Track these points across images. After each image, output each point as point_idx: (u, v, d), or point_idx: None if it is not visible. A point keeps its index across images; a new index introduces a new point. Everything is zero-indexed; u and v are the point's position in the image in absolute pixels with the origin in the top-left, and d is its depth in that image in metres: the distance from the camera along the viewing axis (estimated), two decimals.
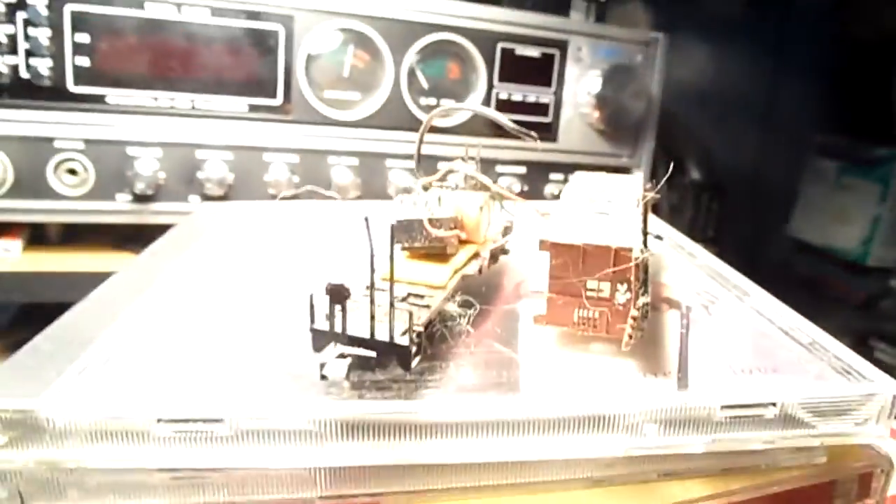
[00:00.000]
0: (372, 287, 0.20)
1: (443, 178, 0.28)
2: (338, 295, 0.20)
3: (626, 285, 0.23)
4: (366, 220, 0.19)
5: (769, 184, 0.83)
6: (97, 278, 0.43)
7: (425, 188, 0.27)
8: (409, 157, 0.57)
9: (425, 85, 0.57)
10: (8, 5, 0.47)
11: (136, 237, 0.51)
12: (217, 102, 0.52)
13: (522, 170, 0.60)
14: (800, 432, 0.22)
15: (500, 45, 0.57)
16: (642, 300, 0.22)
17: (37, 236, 0.54)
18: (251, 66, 0.53)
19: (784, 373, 0.24)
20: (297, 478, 0.22)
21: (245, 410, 0.20)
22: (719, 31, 0.76)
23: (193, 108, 0.52)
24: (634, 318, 0.22)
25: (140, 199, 0.52)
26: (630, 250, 0.22)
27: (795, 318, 0.28)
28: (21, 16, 0.47)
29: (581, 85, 0.60)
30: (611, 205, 0.26)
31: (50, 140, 0.50)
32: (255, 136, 0.54)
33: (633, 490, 0.23)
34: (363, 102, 0.56)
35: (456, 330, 0.25)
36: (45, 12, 0.48)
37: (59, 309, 0.28)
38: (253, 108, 0.53)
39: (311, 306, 0.21)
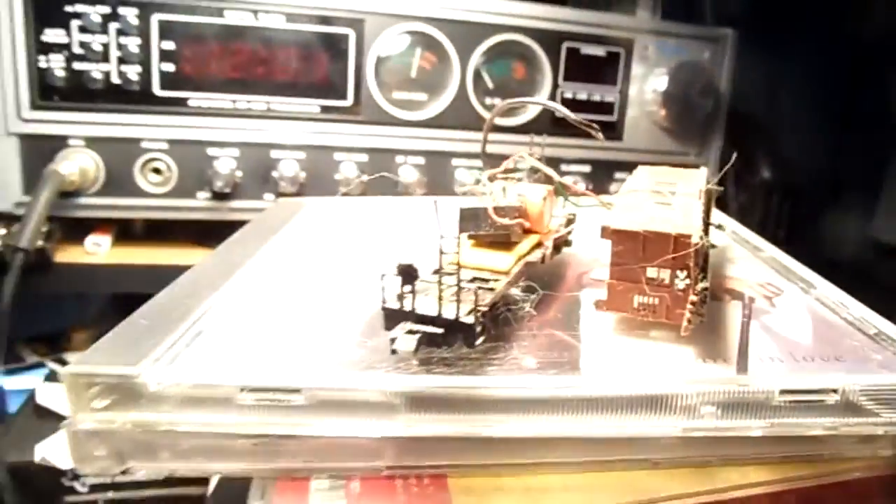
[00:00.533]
0: (440, 268, 0.22)
1: (508, 171, 0.29)
2: (407, 275, 0.22)
3: (685, 272, 0.23)
4: (434, 203, 0.20)
5: (848, 185, 0.81)
6: (179, 271, 0.46)
7: (490, 179, 0.28)
8: (475, 155, 0.59)
9: (491, 85, 0.58)
10: (103, 16, 0.51)
11: (214, 233, 0.54)
12: (291, 104, 0.55)
13: (587, 168, 0.61)
14: (862, 420, 0.23)
15: (565, 45, 0.58)
16: (701, 286, 0.23)
17: (124, 232, 0.58)
18: (323, 70, 0.55)
19: (847, 361, 0.24)
20: (367, 448, 0.23)
21: (320, 382, 0.22)
22: (794, 26, 0.75)
23: (269, 109, 0.55)
24: (693, 304, 0.23)
25: (218, 196, 0.55)
26: (689, 237, 0.23)
27: (861, 309, 0.28)
28: (113, 26, 0.51)
29: (647, 83, 0.60)
30: (673, 195, 0.27)
31: (137, 141, 0.53)
32: (327, 136, 0.56)
33: (692, 473, 0.24)
34: (430, 103, 0.58)
35: (520, 314, 0.26)
36: (135, 22, 0.51)
37: (143, 300, 0.31)
38: (325, 109, 0.56)
39: (383, 286, 0.22)
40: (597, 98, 0.60)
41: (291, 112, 0.55)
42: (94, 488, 0.53)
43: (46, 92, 0.51)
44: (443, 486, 0.24)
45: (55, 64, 0.51)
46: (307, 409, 0.22)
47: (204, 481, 0.44)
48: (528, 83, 0.59)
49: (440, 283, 0.22)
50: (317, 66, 0.55)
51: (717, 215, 0.39)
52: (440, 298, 0.22)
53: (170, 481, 0.53)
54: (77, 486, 0.52)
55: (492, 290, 0.24)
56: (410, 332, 0.22)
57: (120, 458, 0.23)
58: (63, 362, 0.61)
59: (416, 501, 0.23)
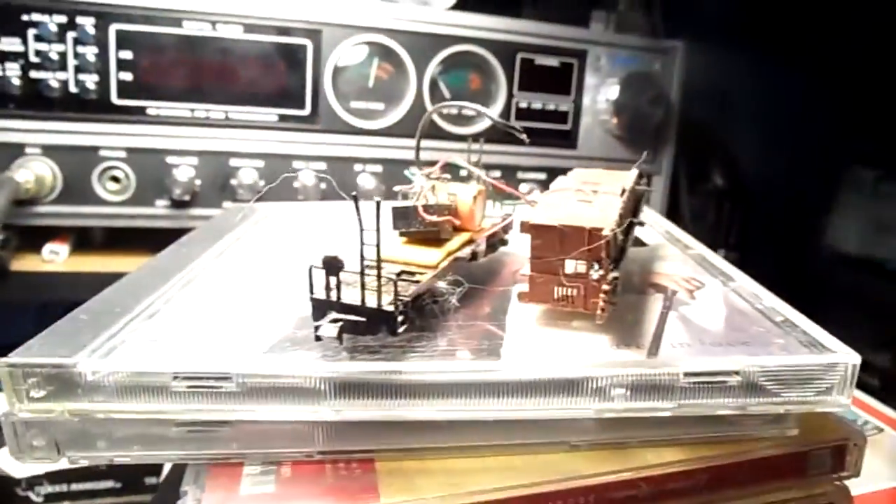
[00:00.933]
0: (362, 260, 0.23)
1: (441, 170, 0.31)
2: (332, 267, 0.23)
3: (598, 263, 0.25)
4: (353, 197, 0.22)
5: (801, 192, 0.83)
6: None
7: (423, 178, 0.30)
8: (433, 163, 0.60)
9: (447, 95, 0.60)
10: (60, 25, 0.52)
11: (173, 241, 0.55)
12: (249, 113, 0.57)
13: (543, 175, 0.63)
14: (764, 400, 0.24)
15: (519, 56, 0.60)
16: (612, 275, 0.25)
17: (83, 241, 0.59)
18: (281, 79, 0.57)
19: (752, 345, 0.26)
20: (297, 433, 0.25)
21: (250, 368, 0.23)
22: (746, 35, 0.78)
23: (227, 118, 0.56)
24: (605, 292, 0.25)
25: (177, 204, 0.56)
26: (601, 230, 0.24)
27: (772, 300, 0.30)
28: (71, 35, 0.52)
29: (600, 93, 0.62)
30: (595, 194, 0.29)
31: (95, 149, 0.55)
32: (285, 144, 0.58)
33: (609, 454, 0.26)
34: (388, 112, 0.59)
35: (446, 306, 0.27)
36: (92, 31, 0.53)
37: None
38: (283, 118, 0.57)
39: (311, 279, 0.24)
40: (551, 107, 0.62)
41: (250, 121, 0.57)
42: (49, 497, 0.53)
43: (2, 100, 0.52)
44: (370, 468, 0.25)
45: (11, 72, 0.52)
46: (238, 396, 0.23)
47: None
48: (484, 93, 0.61)
49: (362, 273, 0.23)
50: (275, 76, 0.57)
51: (648, 214, 0.41)
52: (363, 288, 0.23)
53: (124, 492, 0.54)
54: (32, 495, 0.53)
55: (416, 282, 0.26)
56: (334, 320, 0.23)
57: (58, 447, 0.25)
58: None
59: (343, 483, 0.24)
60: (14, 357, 0.23)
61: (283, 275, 0.32)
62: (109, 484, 0.54)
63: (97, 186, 0.55)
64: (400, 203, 0.29)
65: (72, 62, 0.53)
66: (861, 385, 0.49)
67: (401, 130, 0.59)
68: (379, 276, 0.23)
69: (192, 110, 0.56)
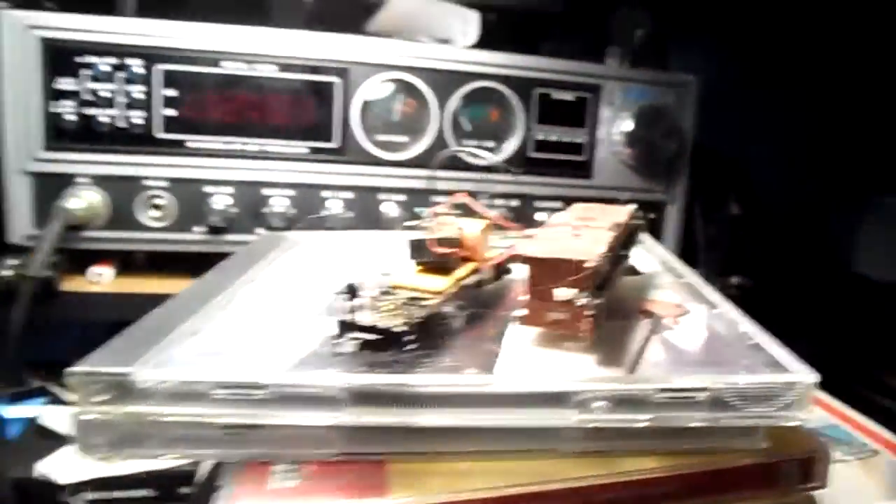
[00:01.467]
0: (378, 288, 0.28)
1: (450, 207, 0.35)
2: (352, 293, 0.28)
3: (585, 291, 0.29)
4: (375, 236, 0.27)
5: (822, 221, 0.86)
6: None
7: (434, 215, 0.34)
8: (453, 192, 0.65)
9: (468, 128, 0.65)
10: (111, 66, 0.58)
11: (209, 265, 0.61)
12: (282, 146, 0.62)
13: (559, 204, 0.67)
14: (731, 414, 0.28)
15: (536, 91, 0.65)
16: (596, 301, 0.29)
17: (126, 264, 0.65)
18: (312, 114, 0.62)
19: (723, 366, 0.30)
20: (319, 436, 0.29)
21: (280, 378, 0.28)
22: (768, 67, 0.81)
23: (261, 151, 0.62)
24: (590, 317, 0.29)
25: (214, 230, 0.62)
26: (585, 262, 0.29)
27: (748, 325, 0.33)
28: (120, 75, 0.59)
29: (615, 125, 0.66)
30: (587, 228, 0.33)
31: (139, 179, 0.60)
32: (315, 175, 0.63)
33: (594, 462, 0.30)
34: (411, 144, 0.64)
35: (452, 327, 0.32)
36: (140, 71, 0.59)
37: None
38: (313, 150, 0.63)
39: (335, 303, 0.29)
40: (567, 139, 0.66)
41: (282, 153, 0.62)
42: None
43: (57, 134, 0.59)
44: (382, 468, 0.29)
45: (66, 109, 0.58)
46: (270, 403, 0.28)
47: None
48: (503, 126, 0.66)
49: (377, 299, 0.28)
50: (306, 111, 0.62)
51: (648, 244, 0.45)
52: (378, 311, 0.28)
53: (161, 501, 0.59)
54: (75, 502, 0.58)
55: (425, 306, 0.30)
56: (354, 338, 0.28)
57: (116, 445, 0.29)
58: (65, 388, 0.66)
59: (357, 480, 0.28)
60: (82, 366, 0.28)
61: (310, 298, 0.37)
62: (147, 493, 0.59)
63: (140, 214, 0.61)
64: (416, 235, 0.34)
65: (121, 100, 0.59)
66: (877, 408, 0.52)
67: (424, 162, 0.64)
68: (392, 302, 0.28)
69: (229, 143, 0.61)
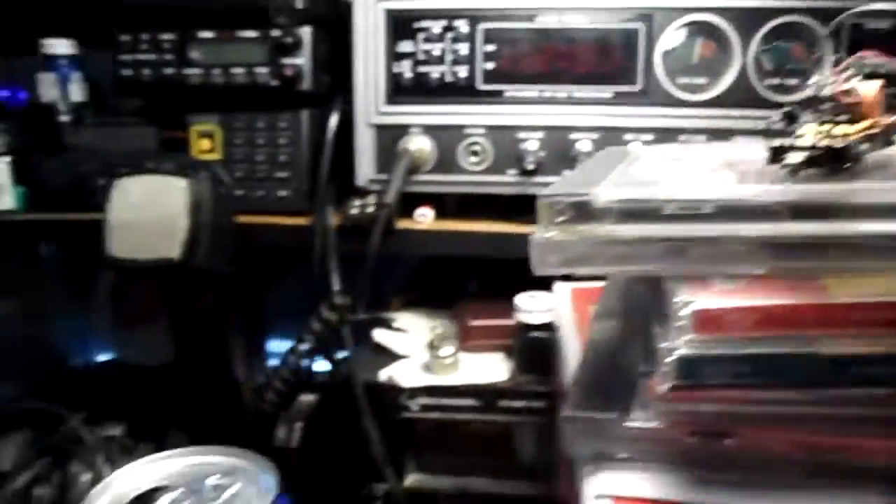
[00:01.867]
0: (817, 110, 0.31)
1: (845, 70, 0.38)
2: (791, 118, 0.32)
3: None
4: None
5: None
6: (491, 237, 0.65)
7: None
8: (755, 132, 0.66)
9: (770, 66, 0.67)
10: (443, 27, 0.67)
11: (512, 211, 0.68)
12: (588, 91, 0.68)
13: None
14: None
15: (847, 21, 0.65)
16: None
17: (439, 211, 0.73)
18: (616, 60, 0.67)
19: None
20: (753, 254, 0.33)
21: (726, 193, 0.32)
22: None
23: (569, 97, 0.68)
24: None
25: (525, 173, 0.69)
26: None
27: None
28: (448, 35, 0.68)
29: None
30: None
31: (462, 127, 0.69)
32: (618, 118, 0.68)
33: None
34: (712, 85, 0.67)
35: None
36: (465, 30, 0.67)
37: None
38: (617, 94, 0.68)
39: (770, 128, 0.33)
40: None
41: (588, 98, 0.68)
42: (424, 408, 0.66)
43: (397, 90, 0.69)
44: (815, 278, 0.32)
45: (404, 68, 0.68)
46: (714, 217, 0.32)
47: None
48: (809, 62, 0.67)
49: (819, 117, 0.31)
50: (611, 58, 0.67)
51: None
52: (817, 132, 0.31)
53: (482, 410, 0.66)
54: (412, 404, 0.66)
55: (849, 136, 0.33)
56: (797, 154, 0.32)
57: (568, 263, 0.35)
58: (386, 322, 0.76)
59: (794, 283, 0.32)
60: (547, 191, 0.35)
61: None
62: (471, 402, 0.66)
63: (462, 159, 0.69)
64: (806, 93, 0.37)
65: (448, 57, 0.68)
66: None
67: (725, 101, 0.67)
68: (832, 121, 0.31)
69: (540, 91, 0.68)
